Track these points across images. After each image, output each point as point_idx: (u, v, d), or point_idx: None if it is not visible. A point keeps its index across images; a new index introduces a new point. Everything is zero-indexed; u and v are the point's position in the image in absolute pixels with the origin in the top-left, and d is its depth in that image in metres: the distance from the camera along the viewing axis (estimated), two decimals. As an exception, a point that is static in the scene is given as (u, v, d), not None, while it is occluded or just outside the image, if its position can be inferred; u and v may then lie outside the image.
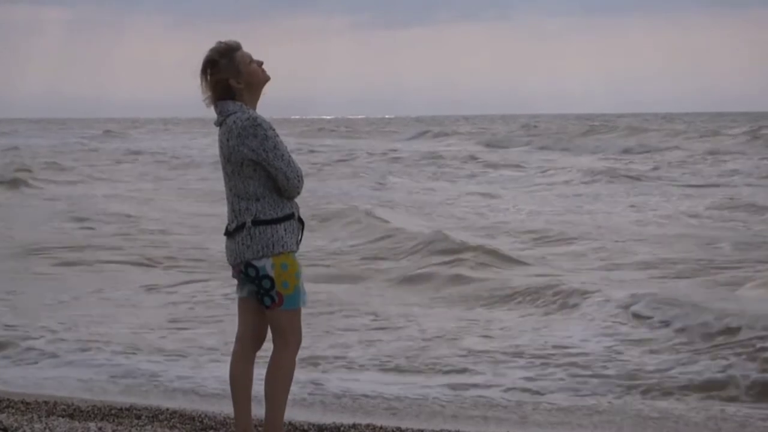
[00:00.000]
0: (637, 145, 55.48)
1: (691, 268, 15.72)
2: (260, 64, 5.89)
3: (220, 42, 5.88)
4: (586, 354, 10.28)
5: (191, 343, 10.94)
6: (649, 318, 11.61)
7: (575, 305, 12.72)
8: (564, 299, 13.01)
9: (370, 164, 45.50)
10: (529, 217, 23.63)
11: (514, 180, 36.40)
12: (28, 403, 7.92)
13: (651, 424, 8.24)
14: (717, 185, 31.97)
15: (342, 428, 7.44)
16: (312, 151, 54.50)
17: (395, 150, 55.68)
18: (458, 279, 15.02)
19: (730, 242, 18.39)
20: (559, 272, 15.31)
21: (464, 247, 17.04)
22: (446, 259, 16.44)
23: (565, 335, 11.18)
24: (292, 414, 7.42)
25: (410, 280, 15.34)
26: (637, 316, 11.79)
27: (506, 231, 20.74)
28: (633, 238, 19.26)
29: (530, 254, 17.53)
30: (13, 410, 7.70)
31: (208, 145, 67.02)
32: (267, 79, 5.92)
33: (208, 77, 5.82)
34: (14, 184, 32.51)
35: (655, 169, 39.36)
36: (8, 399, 8.05)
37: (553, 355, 10.29)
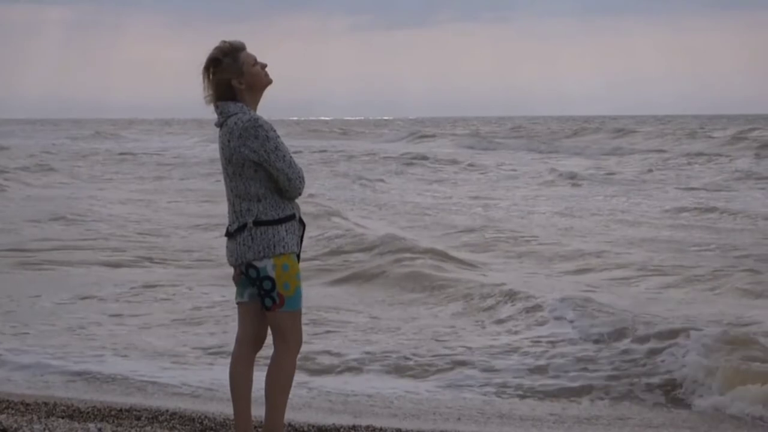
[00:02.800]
0: (615, 147, 55.85)
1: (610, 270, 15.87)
2: (264, 66, 5.89)
3: (225, 41, 5.88)
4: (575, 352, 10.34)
5: (191, 344, 10.95)
6: (570, 322, 11.66)
7: (490, 307, 12.92)
8: (495, 300, 13.17)
9: (348, 165, 45.54)
10: (481, 218, 23.59)
11: (474, 182, 36.45)
12: (27, 404, 7.91)
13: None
14: (682, 187, 32.06)
15: (342, 429, 7.45)
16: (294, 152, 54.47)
17: (374, 152, 55.55)
18: (408, 279, 15.14)
19: (672, 245, 18.50)
20: (493, 273, 15.48)
21: (413, 249, 17.05)
22: (395, 259, 16.46)
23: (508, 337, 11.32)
24: (292, 415, 7.42)
25: (359, 279, 15.48)
26: (559, 319, 11.88)
27: (460, 232, 20.74)
28: (581, 240, 19.36)
29: (477, 257, 17.54)
30: (13, 411, 7.69)
31: (190, 147, 67.00)
32: (269, 82, 5.92)
33: (211, 75, 5.82)
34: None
35: (644, 171, 39.51)
36: (8, 400, 8.04)
37: (546, 353, 10.35)
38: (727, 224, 22.05)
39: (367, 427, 7.56)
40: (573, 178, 35.47)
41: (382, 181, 36.26)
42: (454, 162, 46.10)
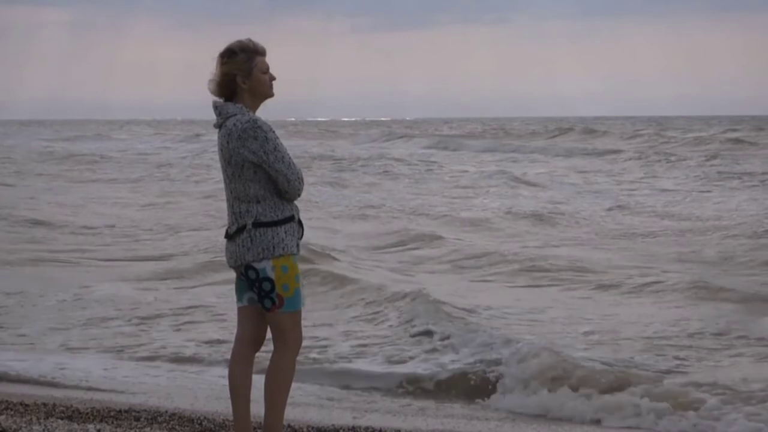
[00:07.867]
0: (581, 148, 56.17)
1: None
2: (272, 78, 5.92)
3: (250, 39, 5.92)
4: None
5: (190, 344, 10.96)
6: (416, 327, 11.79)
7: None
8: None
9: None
10: (398, 218, 23.52)
11: (411, 181, 36.49)
12: (27, 405, 7.90)
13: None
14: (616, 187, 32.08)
15: (341, 430, 7.46)
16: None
17: (332, 155, 55.32)
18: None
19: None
20: (372, 273, 15.62)
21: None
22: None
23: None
24: (292, 415, 7.43)
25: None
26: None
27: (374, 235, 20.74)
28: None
29: (375, 256, 17.72)
30: (12, 412, 7.69)
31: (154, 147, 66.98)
32: (271, 95, 5.94)
33: (223, 64, 5.84)
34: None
35: (592, 171, 39.67)
36: (7, 401, 8.03)
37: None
38: (642, 223, 21.95)
39: (366, 428, 7.57)
40: (511, 178, 35.38)
41: (313, 185, 36.19)
42: (406, 163, 45.88)
